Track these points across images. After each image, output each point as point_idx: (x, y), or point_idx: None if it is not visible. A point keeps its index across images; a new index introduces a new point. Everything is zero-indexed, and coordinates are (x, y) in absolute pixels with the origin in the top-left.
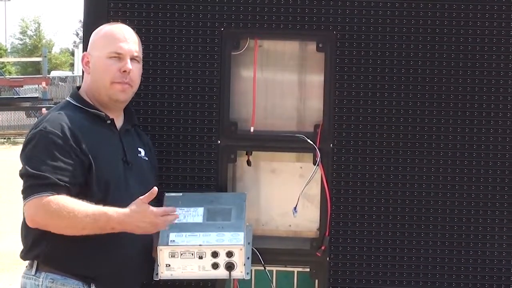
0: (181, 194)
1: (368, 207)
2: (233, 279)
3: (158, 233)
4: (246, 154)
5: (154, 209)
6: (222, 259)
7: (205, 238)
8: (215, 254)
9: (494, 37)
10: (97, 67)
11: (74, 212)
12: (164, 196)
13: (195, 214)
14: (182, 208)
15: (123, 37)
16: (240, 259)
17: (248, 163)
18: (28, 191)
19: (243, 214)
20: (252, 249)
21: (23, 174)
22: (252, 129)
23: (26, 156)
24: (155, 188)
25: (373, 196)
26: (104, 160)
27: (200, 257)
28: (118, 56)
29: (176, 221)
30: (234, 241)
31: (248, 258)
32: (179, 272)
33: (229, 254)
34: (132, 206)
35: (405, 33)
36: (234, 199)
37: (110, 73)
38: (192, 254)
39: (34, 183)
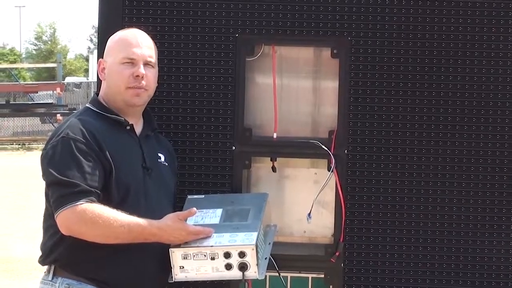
0: (203, 196)
1: (382, 213)
2: (247, 282)
3: None
4: (271, 160)
5: (190, 227)
6: (235, 260)
7: (218, 239)
8: (227, 255)
9: (509, 43)
10: (111, 73)
11: (110, 221)
12: (186, 198)
13: (213, 216)
14: (201, 210)
15: (136, 42)
16: (252, 259)
17: (273, 169)
18: (62, 200)
19: (261, 215)
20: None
21: (51, 182)
22: (275, 135)
23: (52, 164)
24: (194, 209)
25: (388, 202)
26: (124, 166)
27: (213, 258)
28: (131, 62)
29: (193, 223)
30: (246, 241)
31: (265, 258)
32: (193, 274)
33: (242, 254)
34: (168, 221)
35: (420, 39)
36: (255, 199)
37: (124, 78)
38: (205, 256)
39: (66, 191)
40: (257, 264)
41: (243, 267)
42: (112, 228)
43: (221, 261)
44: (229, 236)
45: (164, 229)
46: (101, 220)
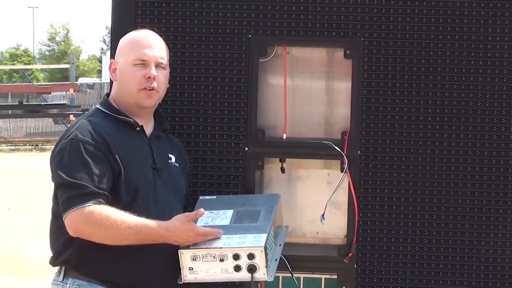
0: (214, 197)
1: (395, 214)
2: (260, 283)
3: None
4: (280, 161)
5: (198, 228)
6: (244, 262)
7: (227, 241)
8: (236, 257)
9: None
10: (123, 74)
11: (117, 223)
12: (198, 199)
13: (224, 217)
14: (212, 211)
15: (148, 44)
16: (261, 261)
17: (282, 170)
18: (70, 202)
19: (271, 216)
20: (280, 256)
21: (60, 184)
22: (285, 136)
23: (61, 166)
24: (202, 210)
25: (401, 203)
26: (134, 167)
27: (222, 260)
28: (143, 63)
29: (203, 224)
30: (255, 243)
31: (276, 260)
32: (202, 275)
33: (251, 256)
34: (176, 222)
35: (433, 40)
36: (266, 200)
37: (135, 79)
38: (214, 257)
39: (74, 193)
40: (266, 266)
41: (252, 269)
42: (119, 230)
43: (230, 263)
44: (239, 237)
45: (172, 230)
46: (108, 221)
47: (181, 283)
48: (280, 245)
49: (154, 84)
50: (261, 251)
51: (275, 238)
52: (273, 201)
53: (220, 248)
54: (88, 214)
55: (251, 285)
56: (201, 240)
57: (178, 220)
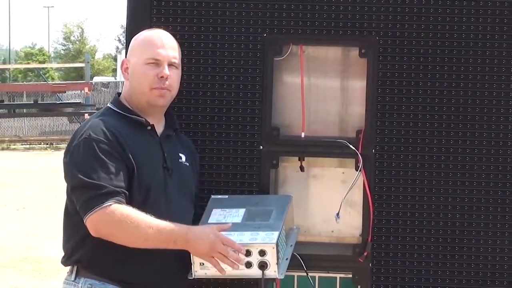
0: (226, 196)
1: (410, 212)
2: (275, 282)
3: None
4: (299, 160)
5: (219, 233)
6: (255, 258)
7: (239, 237)
8: (248, 253)
9: None
10: (135, 73)
11: (138, 222)
12: (210, 198)
13: (236, 215)
14: (224, 209)
15: (161, 43)
16: (273, 258)
17: (301, 168)
18: (90, 203)
19: (283, 216)
20: (294, 254)
21: (77, 185)
22: (303, 135)
23: (76, 166)
24: (228, 226)
25: (416, 201)
26: (145, 166)
27: None
28: (156, 62)
29: (215, 221)
30: (267, 240)
31: (287, 259)
32: (213, 271)
33: (262, 253)
34: (202, 227)
35: (448, 39)
36: (278, 201)
37: (148, 79)
38: None
39: (93, 194)
40: (277, 263)
41: (263, 265)
42: (140, 230)
43: (241, 259)
44: (250, 234)
45: (195, 231)
46: (129, 221)
47: (192, 278)
48: (291, 245)
49: (167, 84)
50: (273, 248)
51: (287, 238)
52: (285, 202)
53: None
54: (110, 214)
55: (262, 282)
56: (221, 248)
57: (206, 226)
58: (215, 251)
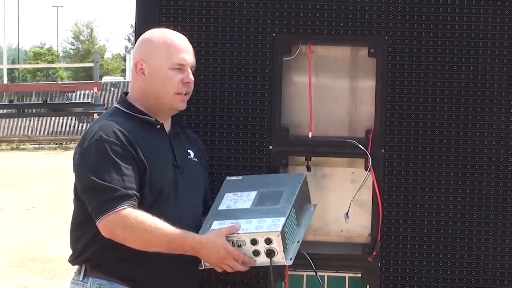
0: (240, 177)
1: (419, 212)
2: (284, 282)
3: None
4: (306, 160)
5: (230, 248)
6: (262, 246)
7: (245, 226)
8: (254, 242)
9: None
10: (158, 77)
11: (151, 229)
12: (224, 180)
13: (247, 199)
14: (236, 193)
15: (185, 48)
16: (279, 245)
17: (308, 168)
18: (104, 206)
19: (293, 198)
20: (304, 254)
21: (90, 187)
22: (310, 135)
23: (89, 168)
24: (237, 226)
25: (425, 201)
26: (157, 165)
27: (240, 246)
28: (180, 67)
29: (225, 208)
30: (273, 228)
31: (298, 241)
32: None
33: (268, 241)
34: (212, 237)
35: (457, 38)
36: (291, 181)
37: (173, 84)
38: (232, 243)
39: (107, 197)
40: (284, 251)
41: (270, 253)
42: (153, 235)
43: (249, 248)
44: (257, 222)
45: (205, 243)
46: (142, 226)
47: (202, 269)
48: (304, 225)
49: (190, 89)
50: (278, 236)
51: (300, 218)
52: (297, 182)
53: (238, 234)
54: (124, 218)
55: (270, 269)
56: (231, 262)
57: (213, 235)
58: (224, 264)
